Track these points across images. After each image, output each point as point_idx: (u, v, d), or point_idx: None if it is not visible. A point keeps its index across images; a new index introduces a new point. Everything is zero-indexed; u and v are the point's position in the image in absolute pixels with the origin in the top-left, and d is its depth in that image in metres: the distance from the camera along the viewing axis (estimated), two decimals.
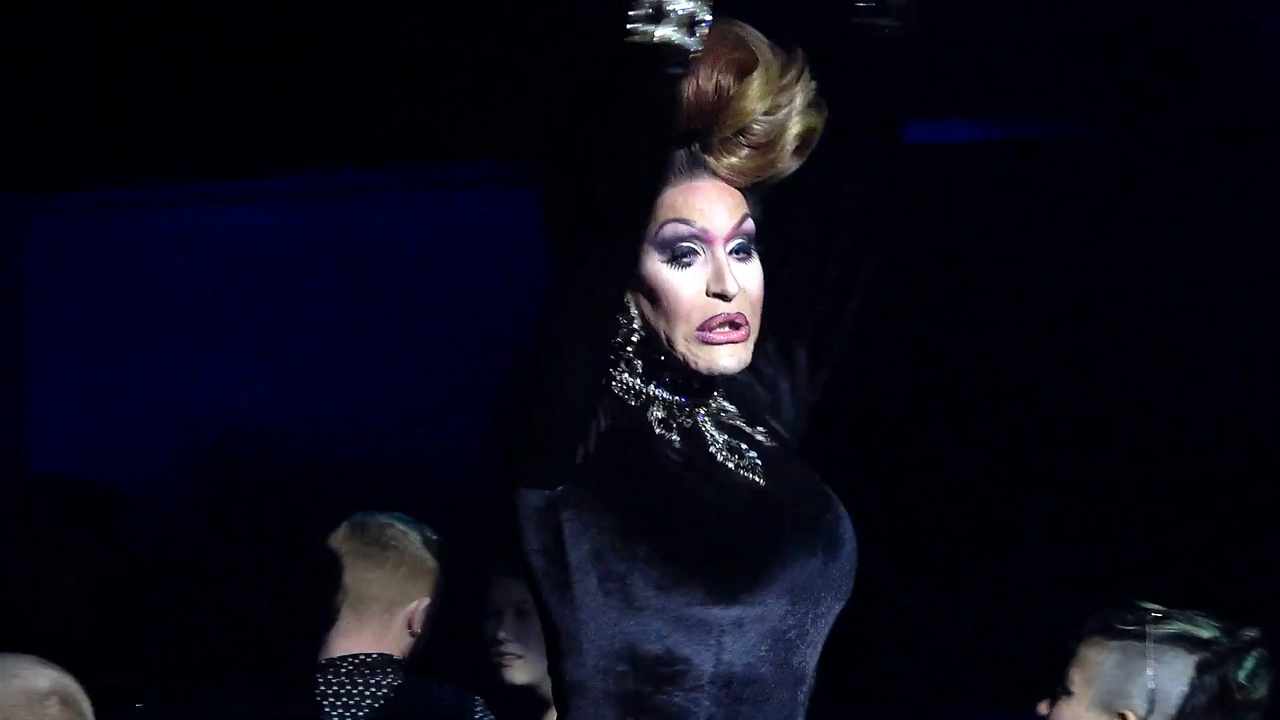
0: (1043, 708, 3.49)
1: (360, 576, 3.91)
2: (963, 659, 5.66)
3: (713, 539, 2.65)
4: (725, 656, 2.64)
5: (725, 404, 2.82)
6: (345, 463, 6.10)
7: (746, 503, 2.71)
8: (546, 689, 4.22)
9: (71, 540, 5.38)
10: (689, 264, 2.69)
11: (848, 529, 2.77)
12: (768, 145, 2.73)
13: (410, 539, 3.96)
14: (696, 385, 2.77)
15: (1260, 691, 3.39)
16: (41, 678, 3.05)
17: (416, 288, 6.29)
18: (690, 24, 2.44)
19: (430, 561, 3.96)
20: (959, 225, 5.73)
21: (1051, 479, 5.66)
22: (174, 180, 6.22)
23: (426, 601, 3.95)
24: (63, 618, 5.00)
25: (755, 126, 2.71)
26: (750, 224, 2.74)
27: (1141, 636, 3.42)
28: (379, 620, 3.90)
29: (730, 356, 2.70)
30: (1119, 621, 3.44)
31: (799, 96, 2.72)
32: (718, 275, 2.69)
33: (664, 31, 2.43)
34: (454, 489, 5.79)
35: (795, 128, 2.73)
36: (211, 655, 5.70)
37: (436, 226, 6.31)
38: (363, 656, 3.85)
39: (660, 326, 2.71)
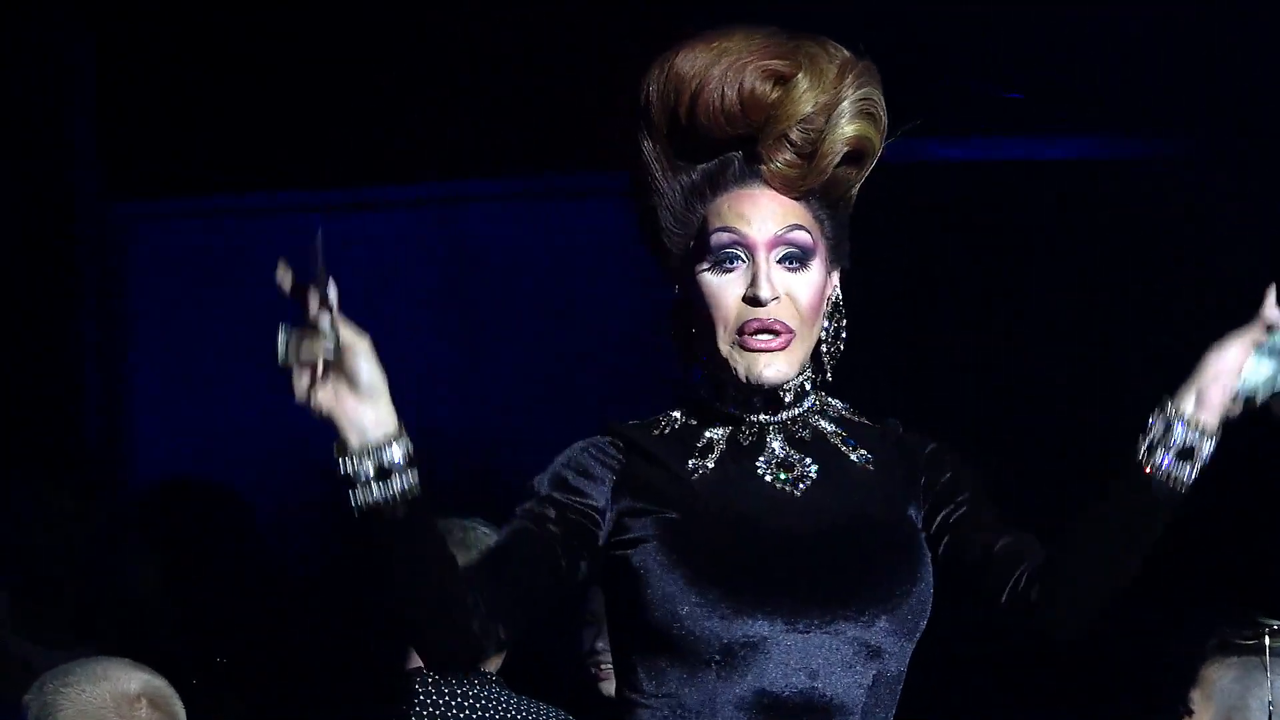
0: None
1: None
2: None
3: (703, 559, 2.67)
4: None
5: (819, 420, 2.80)
6: (450, 471, 6.09)
7: (748, 527, 2.70)
8: None
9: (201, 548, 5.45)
10: (731, 269, 2.73)
11: (894, 581, 2.72)
12: (813, 153, 2.73)
13: (479, 534, 3.93)
14: (758, 401, 2.77)
15: None
16: (132, 680, 3.07)
17: (523, 297, 6.30)
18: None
19: None
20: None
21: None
22: (277, 187, 6.24)
23: None
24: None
25: (795, 134, 2.73)
26: (801, 234, 2.75)
27: (1260, 650, 3.38)
28: None
29: (767, 366, 2.71)
30: (1237, 637, 3.40)
31: (847, 104, 2.72)
32: (754, 280, 2.71)
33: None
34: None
35: (842, 136, 2.73)
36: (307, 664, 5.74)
37: (542, 236, 6.32)
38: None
39: (706, 333, 2.74)
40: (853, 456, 2.79)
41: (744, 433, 2.78)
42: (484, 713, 3.79)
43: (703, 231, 2.76)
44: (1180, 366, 2.76)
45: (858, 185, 2.84)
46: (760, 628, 2.64)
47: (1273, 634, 3.39)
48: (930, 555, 2.78)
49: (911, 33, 5.24)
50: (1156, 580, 5.39)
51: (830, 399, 2.85)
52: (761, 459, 2.76)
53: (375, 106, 5.87)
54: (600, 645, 4.29)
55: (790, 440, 2.77)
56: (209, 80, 5.90)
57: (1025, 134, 5.76)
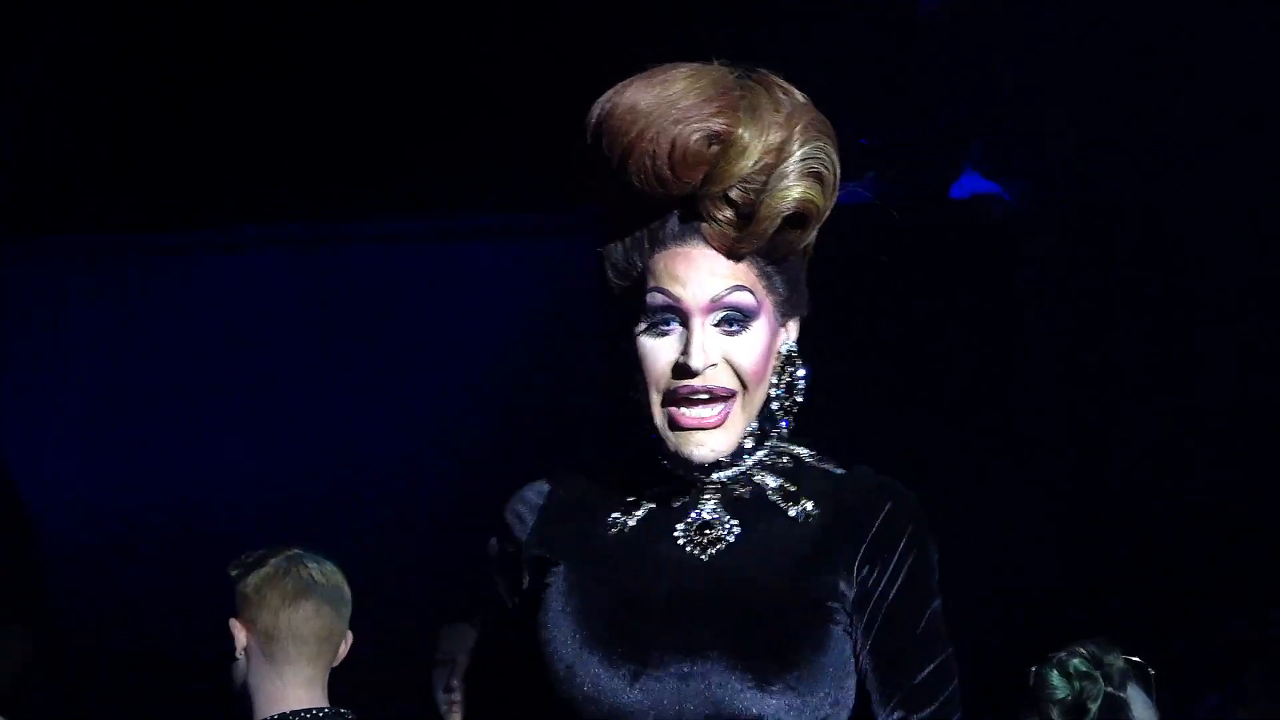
0: None
1: (300, 616, 3.82)
2: None
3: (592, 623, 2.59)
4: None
5: (763, 476, 2.67)
6: (319, 508, 6.09)
7: (637, 591, 2.60)
8: None
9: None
10: (666, 333, 2.59)
11: (780, 657, 2.55)
12: (751, 214, 2.57)
13: (329, 571, 3.89)
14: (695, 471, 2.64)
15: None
16: None
17: (403, 336, 6.29)
18: None
19: (348, 592, 3.90)
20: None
21: None
22: (157, 227, 6.22)
23: (349, 635, 3.89)
24: None
25: (734, 193, 2.56)
26: (742, 296, 2.58)
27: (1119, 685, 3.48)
28: (324, 661, 3.82)
29: (699, 446, 2.58)
30: (1082, 680, 3.43)
31: (791, 164, 2.55)
32: (686, 347, 2.56)
33: None
34: (420, 538, 5.79)
35: (784, 199, 2.56)
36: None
37: (421, 276, 6.32)
38: (317, 711, 3.78)
39: (641, 395, 2.61)
40: (791, 512, 2.63)
41: (678, 493, 2.65)
42: None
43: (639, 289, 2.61)
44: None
45: (807, 242, 2.65)
46: (629, 692, 2.54)
47: (1109, 670, 3.49)
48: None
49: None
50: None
51: (791, 446, 2.69)
52: (684, 523, 2.63)
53: (247, 147, 5.85)
54: (454, 683, 4.28)
55: (725, 500, 2.64)
56: (77, 120, 5.87)
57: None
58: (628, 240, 2.63)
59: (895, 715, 2.59)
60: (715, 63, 2.61)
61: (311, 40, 5.72)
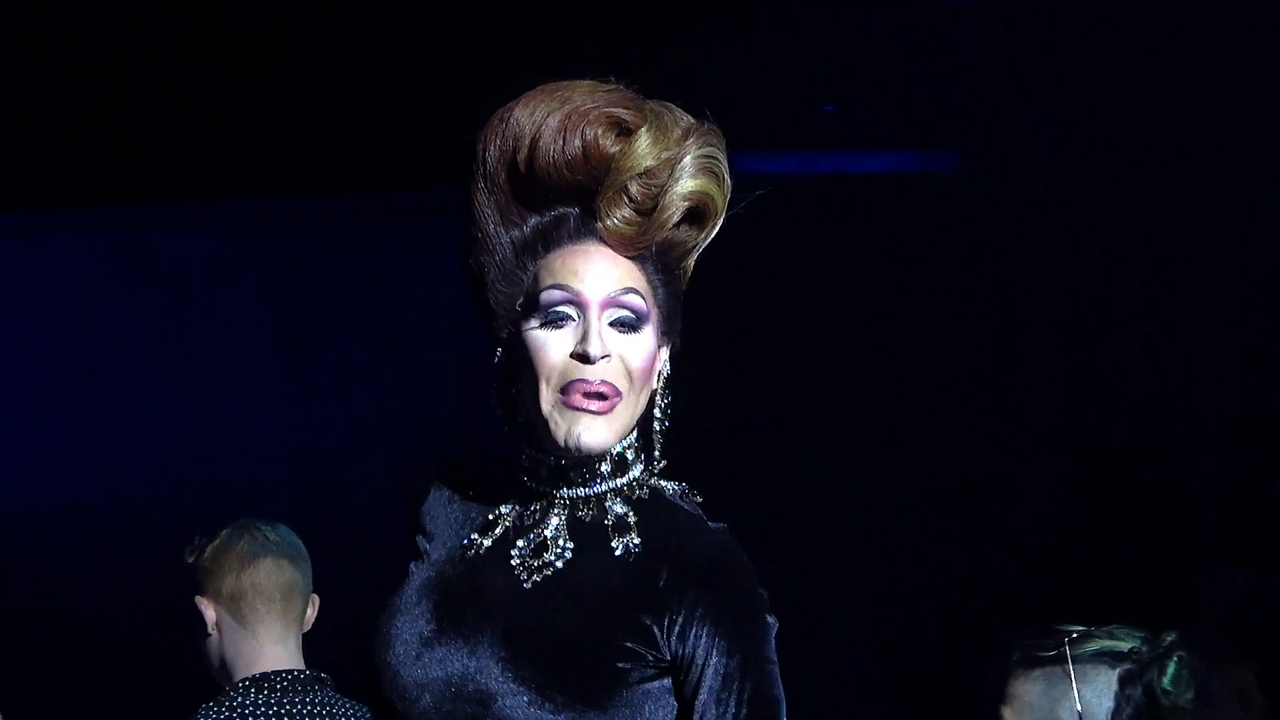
0: None
1: (262, 572, 3.86)
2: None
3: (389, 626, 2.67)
4: None
5: (614, 502, 2.69)
6: (269, 487, 6.09)
7: (451, 610, 2.66)
8: None
9: None
10: (561, 326, 2.64)
11: (557, 704, 2.57)
12: (650, 208, 2.65)
13: (283, 532, 3.94)
14: (574, 475, 2.69)
15: (1187, 695, 3.35)
16: None
17: (349, 314, 6.30)
18: None
19: (304, 549, 3.95)
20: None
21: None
22: (96, 201, 6.20)
23: (316, 598, 3.94)
24: None
25: (635, 187, 2.64)
26: (635, 298, 2.66)
27: (1062, 659, 3.36)
28: (294, 618, 3.86)
29: (587, 430, 2.62)
30: (1038, 649, 3.41)
31: (689, 160, 2.64)
32: (584, 336, 2.62)
33: None
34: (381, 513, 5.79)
35: (682, 191, 2.64)
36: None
37: (367, 252, 6.32)
38: (297, 673, 3.82)
39: (529, 392, 2.65)
40: (617, 548, 2.65)
41: (532, 509, 2.70)
42: (313, 717, 3.79)
43: (533, 289, 2.66)
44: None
45: (696, 253, 2.73)
46: (411, 710, 2.63)
47: (1073, 642, 3.37)
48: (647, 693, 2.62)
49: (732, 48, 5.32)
50: (965, 602, 5.57)
51: (663, 481, 2.73)
52: (524, 541, 2.67)
53: (195, 120, 5.83)
54: None
55: (570, 520, 2.68)
56: (23, 94, 5.84)
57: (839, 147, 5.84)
58: (519, 246, 2.68)
59: None
60: (612, 80, 2.71)
61: (282, 12, 5.71)
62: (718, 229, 2.71)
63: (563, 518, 2.68)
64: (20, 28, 5.65)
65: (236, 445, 6.25)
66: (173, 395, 6.28)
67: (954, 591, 5.67)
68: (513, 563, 2.66)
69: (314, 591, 3.94)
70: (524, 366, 2.66)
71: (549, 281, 2.65)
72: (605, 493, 2.69)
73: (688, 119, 2.69)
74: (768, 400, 5.73)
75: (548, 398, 2.63)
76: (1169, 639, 3.34)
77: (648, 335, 2.66)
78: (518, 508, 2.71)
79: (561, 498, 2.69)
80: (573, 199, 2.68)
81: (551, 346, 2.63)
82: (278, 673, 3.79)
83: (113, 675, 6.03)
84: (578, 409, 2.61)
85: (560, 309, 2.64)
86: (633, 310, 2.65)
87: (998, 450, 5.74)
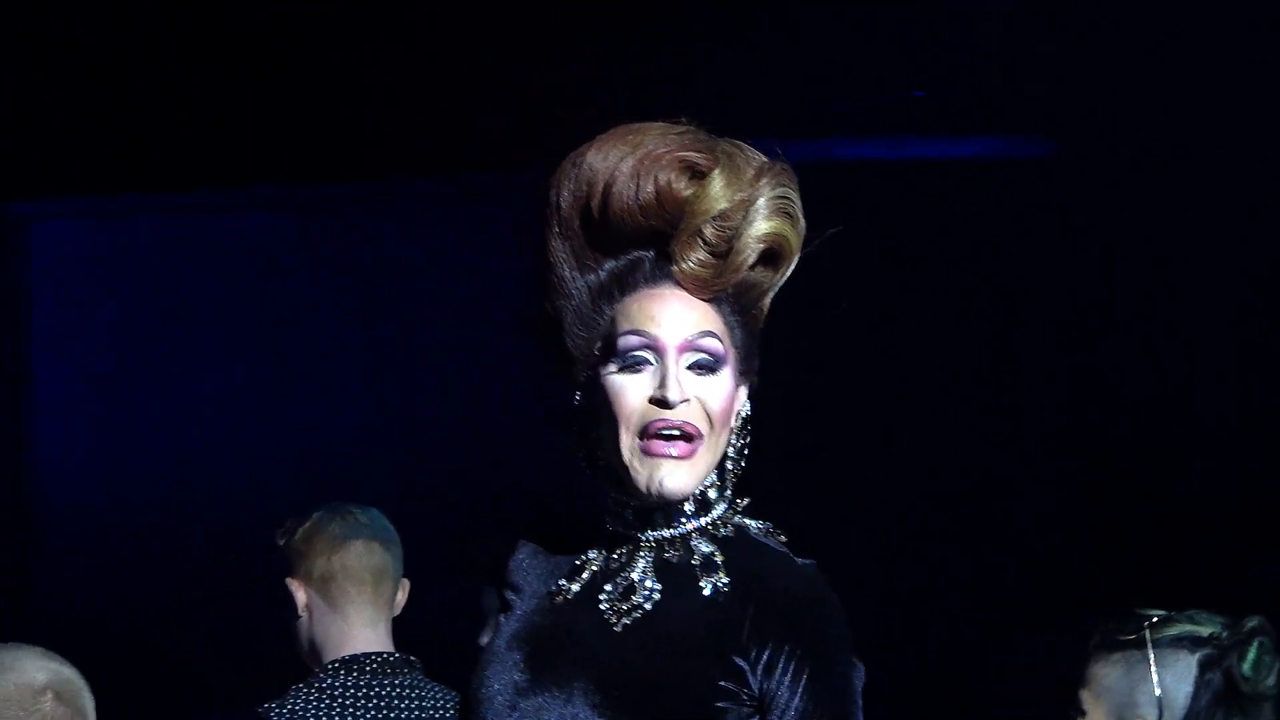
0: None
1: (353, 555, 3.84)
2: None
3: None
4: None
5: (700, 542, 2.69)
6: (350, 472, 6.09)
7: (544, 662, 2.66)
8: None
9: None
10: (639, 371, 2.63)
11: None
12: (727, 252, 2.64)
13: (374, 515, 3.92)
14: (659, 516, 2.68)
15: (1268, 681, 3.30)
16: (40, 671, 3.00)
17: (426, 298, 6.29)
18: None
19: (395, 533, 3.93)
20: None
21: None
22: (178, 186, 6.21)
23: (406, 582, 3.92)
24: None
25: (710, 230, 2.63)
26: (712, 341, 2.65)
27: (1142, 644, 3.35)
28: (384, 601, 3.84)
29: (669, 475, 2.61)
30: (1119, 633, 3.38)
31: (763, 202, 2.63)
32: (663, 381, 2.61)
33: None
34: (451, 498, 5.79)
35: (757, 234, 2.63)
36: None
37: (445, 237, 6.31)
38: (386, 655, 3.80)
39: (609, 438, 2.65)
40: (705, 588, 2.65)
41: (618, 552, 2.70)
42: (402, 700, 3.77)
43: (610, 334, 2.66)
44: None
45: (771, 293, 2.73)
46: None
47: (1153, 626, 3.35)
48: None
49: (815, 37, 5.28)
50: (965, 601, 5.55)
51: (745, 520, 2.73)
52: (611, 585, 2.67)
53: (267, 103, 5.84)
54: (481, 642, 4.27)
55: (656, 561, 2.67)
56: (102, 78, 5.85)
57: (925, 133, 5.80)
58: (595, 291, 2.68)
59: None
60: (684, 122, 2.71)
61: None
62: (792, 269, 2.71)
63: (649, 560, 2.68)
64: (101, 13, 5.66)
65: (311, 424, 6.25)
66: (244, 376, 6.31)
67: (955, 591, 5.67)
68: (601, 607, 2.66)
69: (404, 576, 3.91)
70: (603, 411, 2.65)
71: (626, 327, 2.64)
72: (690, 532, 2.68)
73: (759, 158, 2.68)
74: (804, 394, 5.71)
75: (627, 444, 2.63)
76: (1250, 624, 3.33)
77: (725, 377, 2.66)
78: (604, 552, 2.71)
79: (647, 540, 2.68)
80: (647, 242, 2.66)
81: (630, 392, 2.63)
82: (367, 655, 3.79)
83: (188, 651, 6.04)
84: (659, 455, 2.61)
85: (638, 354, 2.63)
86: (710, 353, 2.64)
87: (1023, 447, 5.73)
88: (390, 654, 3.81)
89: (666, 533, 2.68)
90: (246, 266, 6.35)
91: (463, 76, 5.59)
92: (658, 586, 2.65)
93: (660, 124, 2.67)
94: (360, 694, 3.75)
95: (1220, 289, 5.50)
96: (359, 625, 3.80)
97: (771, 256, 2.67)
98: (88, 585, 6.24)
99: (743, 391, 2.71)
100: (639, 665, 2.60)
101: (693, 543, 2.67)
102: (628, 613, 2.64)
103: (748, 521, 2.73)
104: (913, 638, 5.66)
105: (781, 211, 2.64)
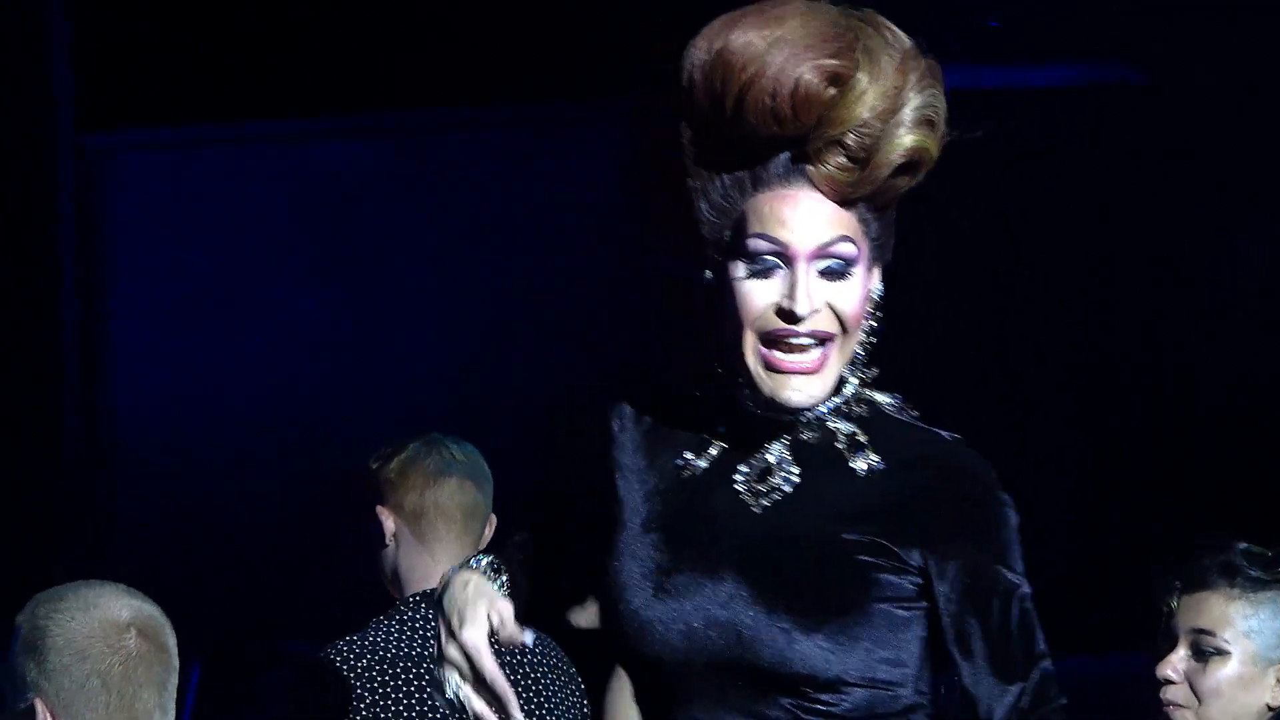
0: (1169, 670, 3.38)
1: (445, 492, 3.82)
2: None
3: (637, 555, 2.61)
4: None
5: (837, 422, 2.61)
6: (427, 403, 6.09)
7: (682, 539, 2.60)
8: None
9: None
10: (767, 277, 2.54)
11: (810, 616, 2.52)
12: (865, 160, 2.53)
13: (469, 450, 3.90)
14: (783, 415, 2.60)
15: None
16: (124, 608, 3.01)
17: (508, 229, 6.26)
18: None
19: (488, 470, 3.91)
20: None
21: None
22: (254, 115, 6.20)
23: (493, 518, 3.90)
24: None
25: (850, 138, 2.52)
26: (846, 246, 2.55)
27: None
28: (472, 539, 3.83)
29: (795, 391, 2.55)
30: (1255, 570, 3.34)
31: (907, 111, 2.53)
32: (791, 292, 2.53)
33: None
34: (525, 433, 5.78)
35: (899, 146, 2.53)
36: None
37: (521, 165, 6.28)
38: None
39: (734, 337, 2.57)
40: (855, 464, 2.59)
41: (747, 431, 2.62)
42: None
43: (740, 230, 2.56)
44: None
45: (908, 189, 2.62)
46: (662, 651, 2.56)
47: None
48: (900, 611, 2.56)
49: None
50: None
51: (874, 394, 2.65)
52: (746, 465, 2.61)
53: (351, 32, 5.82)
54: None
55: (793, 444, 2.60)
56: (183, 10, 5.84)
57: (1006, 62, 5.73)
58: (727, 179, 2.58)
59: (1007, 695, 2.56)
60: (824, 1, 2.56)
61: None
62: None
63: (785, 443, 2.61)
64: None
65: (393, 356, 6.25)
66: (329, 306, 6.30)
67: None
68: (737, 488, 2.60)
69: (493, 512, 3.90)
70: (729, 310, 2.57)
71: (756, 229, 2.54)
72: (825, 414, 2.61)
73: (902, 45, 2.54)
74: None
75: (751, 349, 2.55)
76: None
77: (858, 278, 2.57)
78: (733, 429, 2.63)
79: (785, 420, 2.59)
80: (783, 140, 2.54)
81: (756, 297, 2.54)
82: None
83: (266, 581, 6.06)
84: (784, 372, 2.54)
85: (766, 259, 2.54)
86: (843, 258, 2.55)
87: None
88: None
89: (810, 414, 2.59)
90: (327, 197, 6.33)
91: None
92: (795, 469, 2.59)
93: (801, 7, 2.53)
94: None
95: None
96: (445, 561, 3.72)
97: (911, 165, 2.57)
98: (168, 521, 6.25)
99: (875, 274, 2.61)
100: (788, 545, 2.54)
101: (829, 424, 2.60)
102: (765, 494, 2.58)
103: (878, 397, 2.65)
104: None
105: (925, 122, 2.54)
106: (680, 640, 2.55)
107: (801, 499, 2.58)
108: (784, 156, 2.55)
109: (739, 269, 2.55)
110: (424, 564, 3.80)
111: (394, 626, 3.74)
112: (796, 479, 2.58)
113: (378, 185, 6.31)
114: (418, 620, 3.74)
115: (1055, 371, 5.77)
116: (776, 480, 2.59)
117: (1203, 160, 5.58)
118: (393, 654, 3.71)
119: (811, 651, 2.50)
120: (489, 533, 3.88)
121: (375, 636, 3.73)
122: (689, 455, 2.64)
